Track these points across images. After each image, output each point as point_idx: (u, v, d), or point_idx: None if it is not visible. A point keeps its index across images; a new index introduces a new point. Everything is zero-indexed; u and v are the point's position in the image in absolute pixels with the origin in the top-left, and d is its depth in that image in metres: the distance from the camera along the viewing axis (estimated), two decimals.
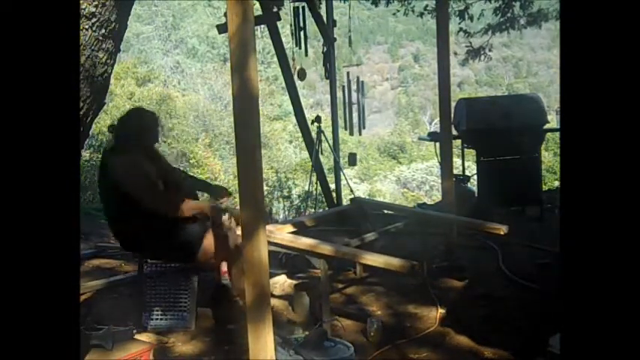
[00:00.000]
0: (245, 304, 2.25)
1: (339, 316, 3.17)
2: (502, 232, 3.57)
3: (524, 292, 3.46)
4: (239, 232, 2.77)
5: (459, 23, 9.74)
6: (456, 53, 11.54)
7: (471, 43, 10.28)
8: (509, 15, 9.73)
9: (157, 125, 3.25)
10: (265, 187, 6.74)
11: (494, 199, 5.19)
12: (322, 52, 6.33)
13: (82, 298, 3.44)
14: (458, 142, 5.50)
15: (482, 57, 10.29)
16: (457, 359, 2.78)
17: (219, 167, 15.09)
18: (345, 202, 5.94)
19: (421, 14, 10.01)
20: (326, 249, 3.01)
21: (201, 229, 3.07)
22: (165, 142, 14.42)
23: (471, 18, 9.69)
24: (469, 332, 2.96)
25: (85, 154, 10.90)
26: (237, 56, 2.07)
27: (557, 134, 7.90)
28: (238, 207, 2.23)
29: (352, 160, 7.22)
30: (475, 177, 5.49)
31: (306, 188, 7.57)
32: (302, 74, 6.11)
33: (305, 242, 3.11)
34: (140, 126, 3.14)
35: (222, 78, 21.30)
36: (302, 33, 6.07)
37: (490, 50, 10.35)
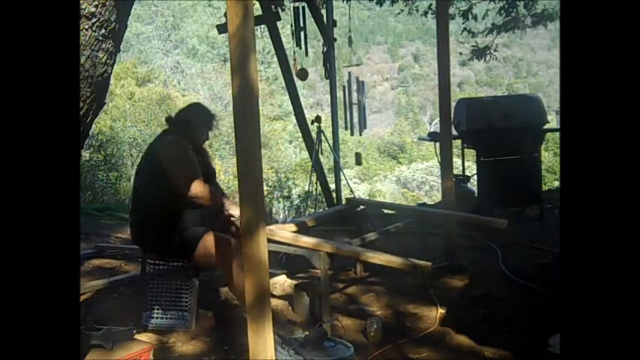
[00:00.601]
0: (245, 305, 2.25)
1: (339, 315, 3.17)
2: (502, 227, 3.61)
3: (524, 292, 3.46)
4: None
5: (463, 23, 9.75)
6: (461, 53, 11.52)
7: (477, 43, 10.28)
8: (513, 15, 9.71)
9: (212, 124, 3.36)
10: (265, 187, 6.74)
11: (494, 199, 5.18)
12: (322, 52, 6.33)
13: (82, 298, 3.44)
14: (458, 142, 5.50)
15: (488, 57, 10.27)
16: (457, 359, 2.78)
17: (219, 167, 15.09)
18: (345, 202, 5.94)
19: (425, 13, 10.01)
20: (336, 249, 3.03)
21: (202, 229, 3.07)
22: None
23: (475, 18, 9.69)
24: (469, 332, 2.96)
25: (85, 154, 10.90)
26: (237, 56, 2.07)
27: (557, 134, 7.90)
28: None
29: (358, 159, 7.21)
30: (475, 177, 5.49)
31: (306, 188, 7.57)
32: (303, 74, 6.10)
33: (309, 242, 3.12)
34: (195, 119, 3.28)
35: (222, 78, 21.32)
36: (302, 33, 6.07)
37: (495, 50, 10.33)
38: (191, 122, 3.26)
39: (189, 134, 3.21)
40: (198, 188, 3.02)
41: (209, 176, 3.30)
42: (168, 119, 3.33)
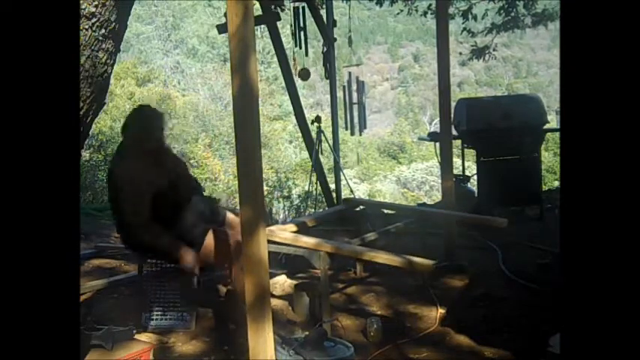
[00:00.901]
0: (245, 304, 2.25)
1: (339, 315, 3.17)
2: (502, 226, 3.62)
3: (524, 292, 3.46)
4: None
5: (463, 23, 9.76)
6: (461, 53, 11.52)
7: (476, 42, 10.30)
8: (512, 15, 9.73)
9: (161, 125, 3.06)
10: (265, 187, 6.74)
11: (494, 199, 5.19)
12: (322, 52, 6.33)
13: (82, 298, 3.44)
14: (458, 142, 5.50)
15: (487, 56, 10.28)
16: (457, 359, 2.78)
17: (219, 167, 15.09)
18: None
19: (424, 13, 10.02)
20: (336, 249, 3.03)
21: (202, 230, 3.07)
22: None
23: (475, 18, 9.71)
24: (469, 332, 2.96)
25: (85, 154, 10.91)
26: (237, 56, 2.07)
27: (557, 134, 7.90)
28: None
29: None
30: (475, 177, 5.49)
31: (306, 188, 7.57)
32: (305, 74, 6.10)
33: (309, 242, 3.12)
34: (143, 127, 2.99)
35: (222, 78, 21.31)
36: (302, 33, 6.07)
37: (495, 50, 10.35)
38: (139, 133, 2.98)
39: (141, 145, 2.95)
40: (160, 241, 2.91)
41: (177, 191, 3.03)
42: (123, 128, 3.05)
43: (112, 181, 3.04)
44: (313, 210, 7.07)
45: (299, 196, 11.84)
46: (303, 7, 6.03)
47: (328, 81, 6.46)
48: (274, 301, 3.32)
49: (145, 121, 3.02)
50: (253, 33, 2.10)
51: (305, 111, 6.74)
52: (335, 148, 6.46)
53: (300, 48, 6.13)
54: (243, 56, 2.07)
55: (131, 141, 2.99)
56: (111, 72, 3.41)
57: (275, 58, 6.81)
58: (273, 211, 10.98)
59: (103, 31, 3.14)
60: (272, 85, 24.53)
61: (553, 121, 7.62)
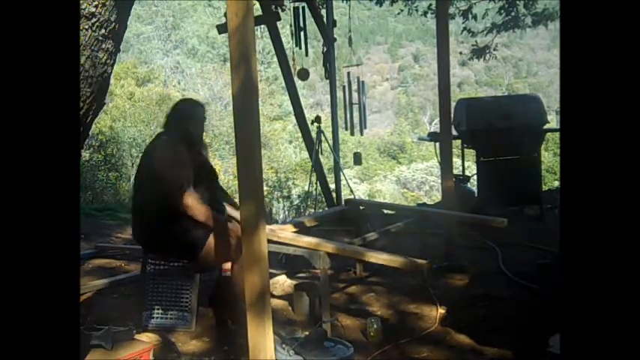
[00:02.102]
0: (245, 304, 2.25)
1: (339, 315, 3.17)
2: (502, 226, 3.61)
3: (524, 292, 3.46)
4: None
5: (463, 23, 9.76)
6: (461, 53, 11.52)
7: (476, 42, 10.30)
8: (513, 14, 9.73)
9: (201, 115, 3.27)
10: (265, 187, 6.74)
11: (494, 199, 5.19)
12: (322, 52, 6.33)
13: (83, 298, 3.44)
14: (458, 142, 5.50)
15: (487, 56, 10.28)
16: (457, 359, 2.79)
17: (219, 167, 15.06)
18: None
19: (425, 13, 10.03)
20: (336, 249, 3.03)
21: (206, 229, 3.06)
22: None
23: (475, 18, 9.71)
24: (469, 332, 2.96)
25: (85, 154, 10.90)
26: (237, 56, 2.07)
27: (557, 134, 7.91)
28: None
29: (357, 159, 7.22)
30: (475, 177, 5.49)
31: (306, 188, 7.57)
32: (304, 74, 6.10)
33: (309, 242, 3.12)
34: (185, 114, 3.19)
35: (222, 78, 21.31)
36: (302, 33, 6.07)
37: (495, 49, 10.35)
38: (181, 119, 3.17)
39: (184, 133, 3.12)
40: (189, 201, 2.93)
41: (202, 178, 3.17)
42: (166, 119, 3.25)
43: (152, 157, 3.09)
44: (313, 210, 7.07)
45: (299, 196, 11.83)
46: (303, 7, 6.03)
47: (328, 81, 6.47)
48: (274, 301, 3.32)
49: (194, 109, 3.25)
50: (253, 33, 2.10)
51: (305, 111, 6.74)
52: (335, 148, 6.46)
53: (300, 48, 6.13)
54: (243, 56, 2.07)
55: (180, 127, 3.12)
56: (111, 72, 3.41)
57: (275, 58, 6.82)
58: (273, 211, 10.98)
59: (103, 31, 3.13)
60: (272, 85, 24.53)
61: (553, 121, 7.62)
